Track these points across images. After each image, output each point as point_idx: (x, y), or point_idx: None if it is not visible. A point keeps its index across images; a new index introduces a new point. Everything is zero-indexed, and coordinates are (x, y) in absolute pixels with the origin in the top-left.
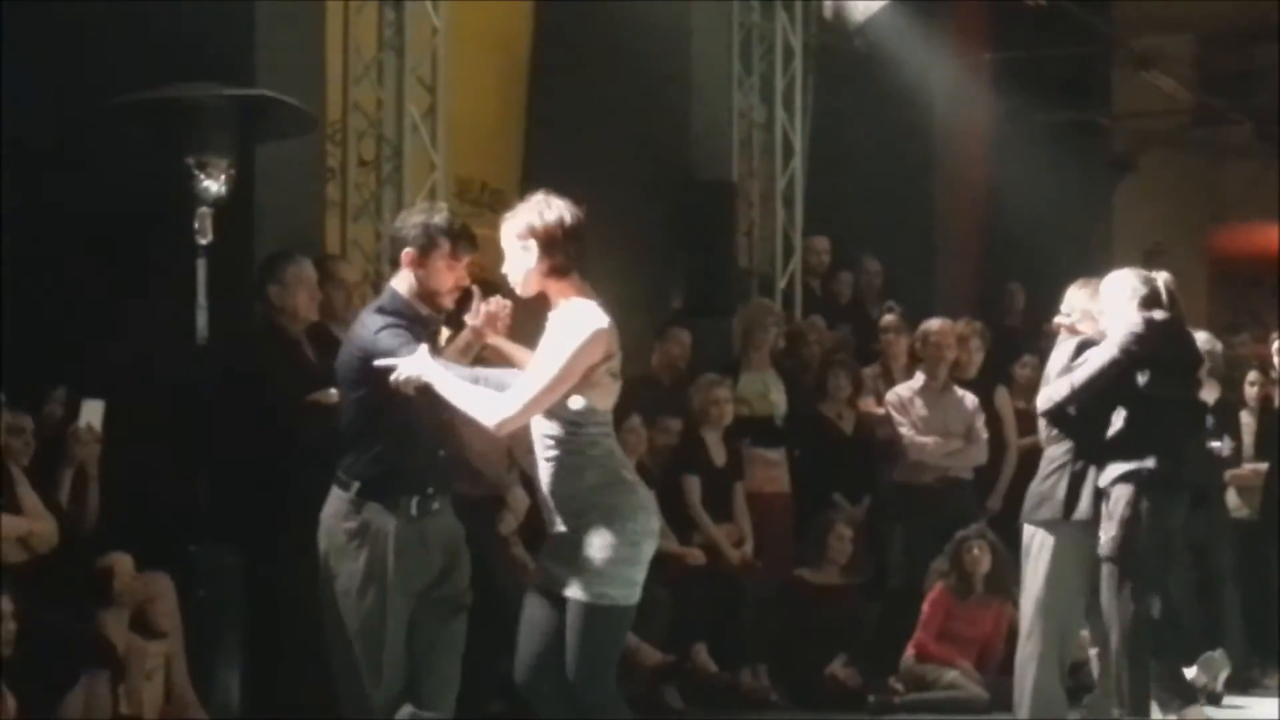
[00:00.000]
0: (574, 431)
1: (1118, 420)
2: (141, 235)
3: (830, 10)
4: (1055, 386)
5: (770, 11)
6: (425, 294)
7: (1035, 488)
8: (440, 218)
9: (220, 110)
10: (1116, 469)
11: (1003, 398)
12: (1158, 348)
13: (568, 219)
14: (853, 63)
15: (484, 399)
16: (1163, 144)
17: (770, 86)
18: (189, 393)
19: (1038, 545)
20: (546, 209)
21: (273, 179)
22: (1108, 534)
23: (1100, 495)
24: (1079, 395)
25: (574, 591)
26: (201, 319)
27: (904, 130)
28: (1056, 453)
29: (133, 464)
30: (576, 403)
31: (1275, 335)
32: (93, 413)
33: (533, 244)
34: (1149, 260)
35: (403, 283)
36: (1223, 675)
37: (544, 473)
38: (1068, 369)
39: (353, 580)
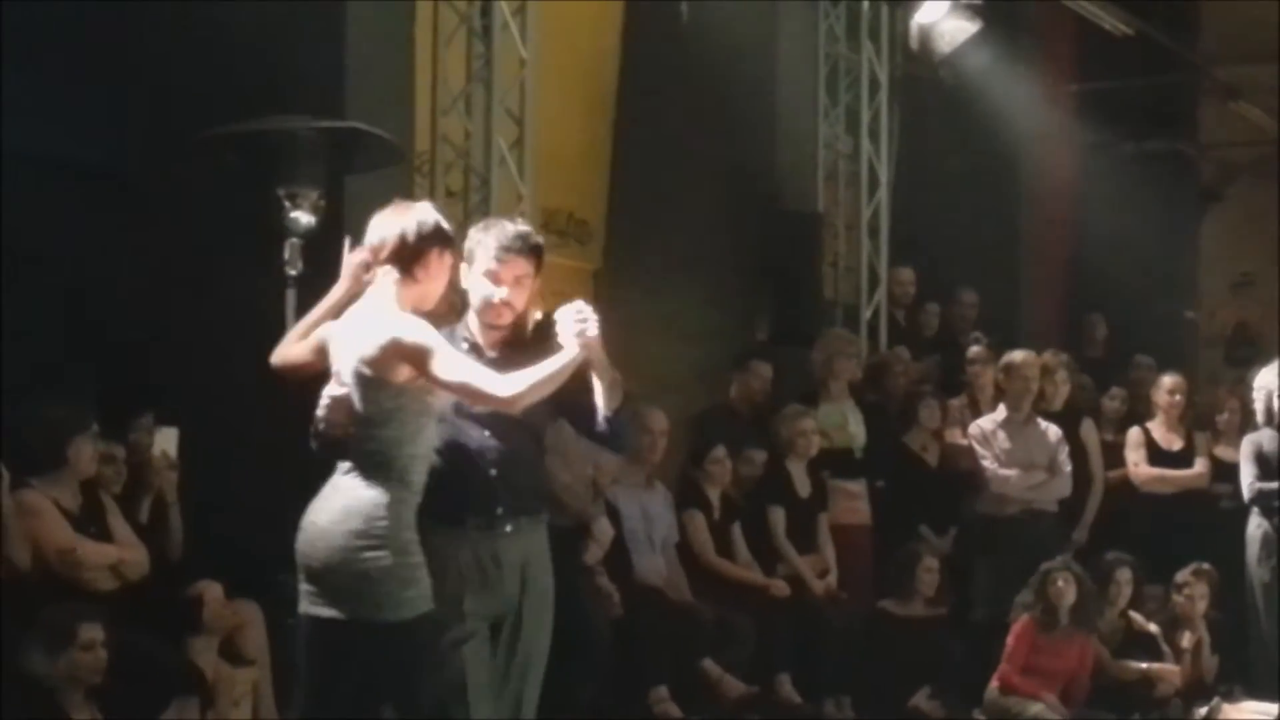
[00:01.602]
0: None
1: None
2: (232, 266)
3: (916, 41)
4: None
5: (856, 43)
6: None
7: None
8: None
9: (310, 142)
10: None
11: (1089, 430)
12: None
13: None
14: (939, 94)
15: None
16: (1250, 174)
17: (856, 117)
18: (278, 422)
19: None
20: None
21: (362, 210)
22: None
23: None
24: None
25: None
26: None
27: (990, 161)
28: None
29: (222, 493)
30: None
31: None
32: (167, 440)
33: None
34: (1236, 291)
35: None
36: None
37: None
38: None
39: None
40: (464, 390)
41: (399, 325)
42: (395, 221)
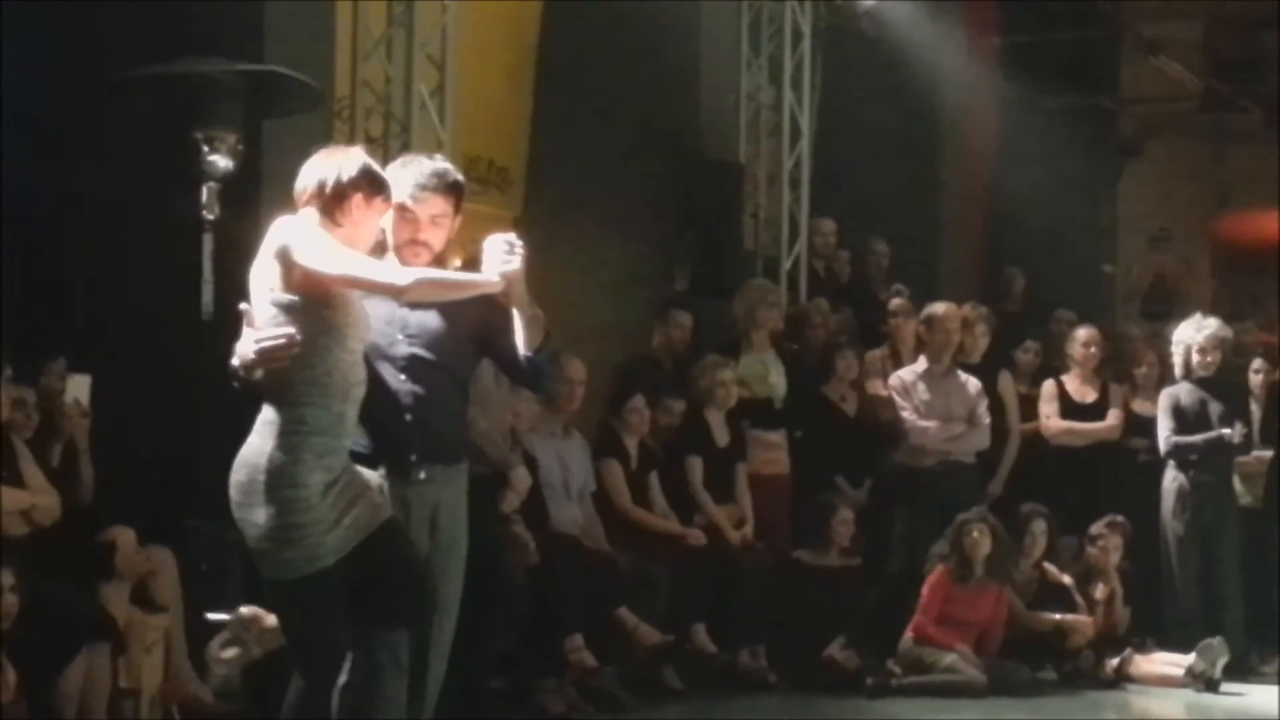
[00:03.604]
0: None
1: None
2: (148, 209)
3: None
4: None
5: None
6: None
7: None
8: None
9: (228, 85)
10: None
11: (1005, 382)
12: None
13: None
14: (861, 45)
15: None
16: (1169, 130)
17: (778, 68)
18: (193, 368)
19: None
20: None
21: (280, 154)
22: None
23: None
24: None
25: None
26: (207, 294)
27: (911, 113)
28: None
29: (136, 438)
30: None
31: None
32: (79, 387)
33: None
34: (1154, 246)
35: None
36: (1221, 662)
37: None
38: None
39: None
40: (351, 281)
41: (285, 229)
42: (318, 166)
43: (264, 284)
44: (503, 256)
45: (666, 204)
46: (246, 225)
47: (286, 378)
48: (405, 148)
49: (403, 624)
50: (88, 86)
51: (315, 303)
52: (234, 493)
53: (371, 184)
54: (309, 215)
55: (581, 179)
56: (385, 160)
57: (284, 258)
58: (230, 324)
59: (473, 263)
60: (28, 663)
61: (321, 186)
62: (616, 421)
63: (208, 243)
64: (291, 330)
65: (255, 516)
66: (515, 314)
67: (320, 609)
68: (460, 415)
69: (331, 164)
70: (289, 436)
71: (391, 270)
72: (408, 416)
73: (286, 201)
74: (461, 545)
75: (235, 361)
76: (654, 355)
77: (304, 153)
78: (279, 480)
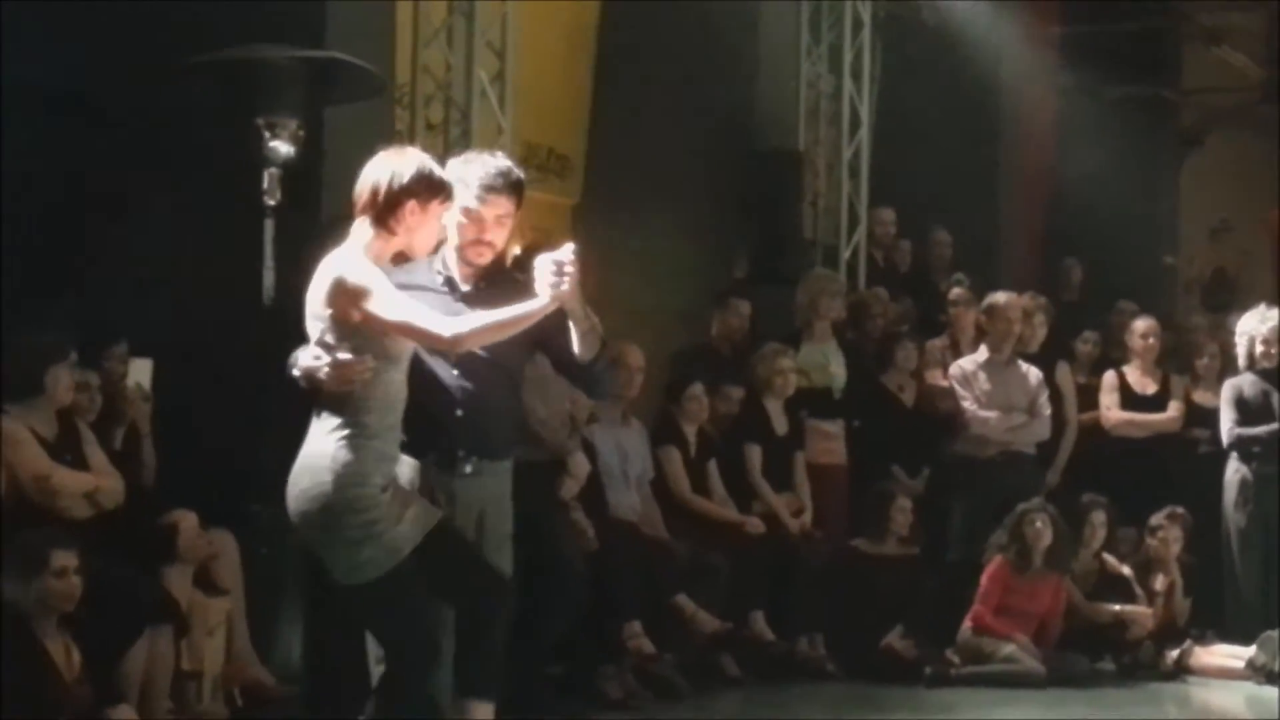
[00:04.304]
0: None
1: None
2: (209, 196)
3: None
4: None
5: None
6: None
7: None
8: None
9: (290, 71)
10: None
11: (1064, 373)
12: None
13: None
14: (921, 34)
15: None
16: (1231, 120)
17: (838, 56)
18: (254, 353)
19: None
20: None
21: (341, 141)
22: None
23: None
24: None
25: None
26: (268, 279)
27: (971, 103)
28: None
29: (197, 422)
30: None
31: None
32: (141, 371)
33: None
34: (1215, 237)
35: None
36: None
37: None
38: None
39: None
40: (405, 330)
41: (343, 266)
42: (372, 173)
43: (315, 304)
44: (551, 279)
45: (726, 191)
46: (308, 211)
47: (342, 393)
48: (465, 135)
49: (495, 609)
50: (151, 73)
51: (374, 333)
52: (298, 504)
53: (428, 188)
54: (359, 238)
55: (641, 166)
56: (445, 148)
57: (338, 300)
58: (290, 309)
59: (532, 249)
60: (91, 644)
61: (375, 193)
62: (675, 409)
63: (269, 229)
64: (368, 356)
65: (327, 520)
66: (571, 326)
67: (409, 602)
68: (511, 411)
69: (385, 169)
70: (353, 439)
71: (443, 322)
72: (459, 412)
73: (347, 188)
74: (509, 542)
75: (296, 372)
76: (713, 343)
77: (365, 139)
78: (347, 479)
